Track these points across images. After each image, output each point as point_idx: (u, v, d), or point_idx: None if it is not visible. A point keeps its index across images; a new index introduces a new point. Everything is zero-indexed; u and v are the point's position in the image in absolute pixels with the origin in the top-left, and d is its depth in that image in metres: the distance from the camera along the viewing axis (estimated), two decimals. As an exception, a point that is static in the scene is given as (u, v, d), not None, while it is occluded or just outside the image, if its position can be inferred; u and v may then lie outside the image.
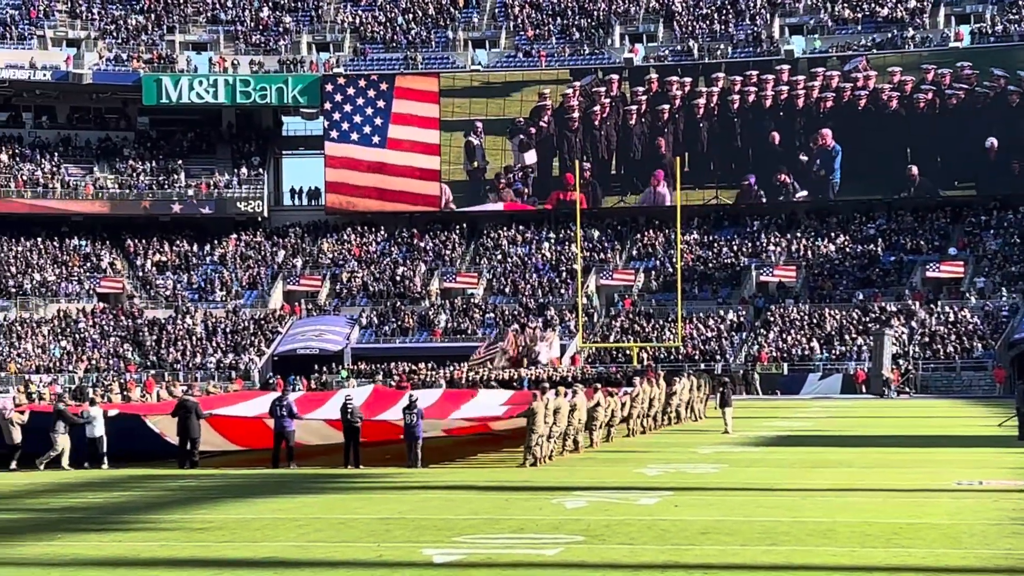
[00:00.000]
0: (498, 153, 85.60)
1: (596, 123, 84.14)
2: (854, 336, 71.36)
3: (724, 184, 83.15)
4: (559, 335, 73.21)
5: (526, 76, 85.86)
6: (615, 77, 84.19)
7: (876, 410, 52.77)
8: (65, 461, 29.66)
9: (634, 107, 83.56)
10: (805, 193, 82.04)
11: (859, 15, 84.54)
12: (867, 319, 72.50)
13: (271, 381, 66.43)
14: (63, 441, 29.67)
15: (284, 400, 30.03)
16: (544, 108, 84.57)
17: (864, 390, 66.94)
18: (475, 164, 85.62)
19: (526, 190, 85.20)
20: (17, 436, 30.47)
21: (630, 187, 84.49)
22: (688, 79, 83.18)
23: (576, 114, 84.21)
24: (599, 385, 36.34)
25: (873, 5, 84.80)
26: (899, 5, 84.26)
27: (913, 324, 71.45)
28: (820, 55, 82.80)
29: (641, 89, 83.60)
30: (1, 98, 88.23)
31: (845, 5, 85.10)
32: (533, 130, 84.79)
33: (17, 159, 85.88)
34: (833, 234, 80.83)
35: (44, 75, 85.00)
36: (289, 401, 30.21)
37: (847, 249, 79.89)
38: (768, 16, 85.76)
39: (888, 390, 65.04)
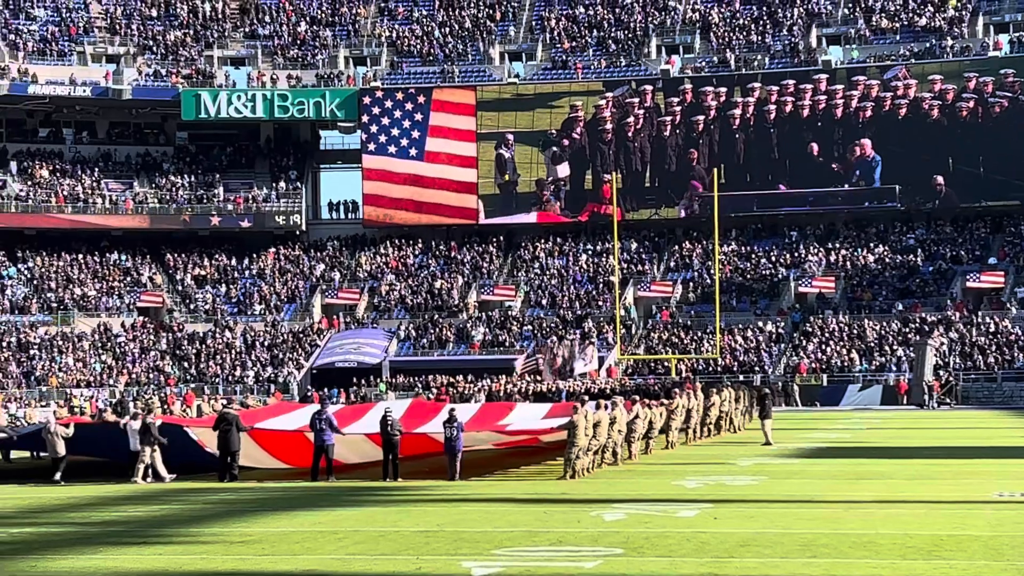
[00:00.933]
0: (529, 166, 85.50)
1: (629, 135, 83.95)
2: (894, 347, 71.01)
3: (761, 195, 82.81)
4: (597, 347, 73.20)
5: (556, 88, 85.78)
6: (648, 88, 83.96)
7: (916, 421, 52.49)
8: (140, 476, 29.67)
9: (668, 118, 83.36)
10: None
11: (897, 25, 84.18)
12: (907, 330, 72.15)
13: (308, 395, 66.65)
14: (149, 453, 29.70)
15: (324, 413, 30.09)
16: (576, 120, 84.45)
17: (906, 401, 66.57)
18: (506, 177, 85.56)
19: (558, 203, 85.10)
20: (62, 449, 30.66)
21: (664, 199, 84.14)
22: (723, 89, 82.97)
23: (609, 126, 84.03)
24: (636, 397, 36.30)
25: (911, 15, 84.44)
26: (937, 15, 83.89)
27: (953, 334, 71.03)
28: (858, 65, 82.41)
29: (675, 100, 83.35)
30: (42, 114, 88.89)
31: (883, 15, 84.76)
32: (566, 142, 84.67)
33: (58, 175, 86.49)
34: (872, 244, 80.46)
35: (84, 91, 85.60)
36: (329, 414, 30.28)
37: (886, 259, 79.51)
38: (805, 27, 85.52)
39: (930, 400, 64.67)
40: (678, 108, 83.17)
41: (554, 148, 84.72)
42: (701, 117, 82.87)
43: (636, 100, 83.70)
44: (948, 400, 65.80)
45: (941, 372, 67.52)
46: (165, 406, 55.63)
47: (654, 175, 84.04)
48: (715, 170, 76.26)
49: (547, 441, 32.33)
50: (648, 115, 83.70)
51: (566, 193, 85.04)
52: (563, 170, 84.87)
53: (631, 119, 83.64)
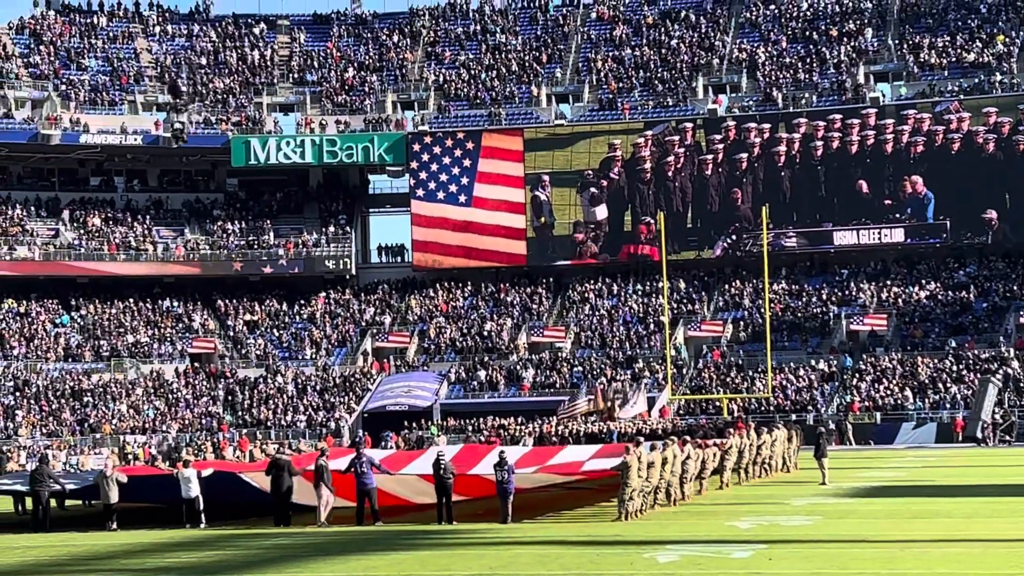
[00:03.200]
0: (566, 208, 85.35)
1: (669, 174, 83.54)
2: (948, 384, 70.39)
3: (809, 233, 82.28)
4: (646, 388, 72.88)
5: (594, 127, 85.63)
6: (688, 126, 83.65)
7: (972, 459, 51.96)
8: (323, 515, 29.52)
9: (709, 156, 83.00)
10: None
11: (945, 61, 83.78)
12: (960, 367, 71.53)
13: (358, 440, 66.65)
14: (327, 495, 29.57)
15: (363, 456, 30.04)
16: (614, 159, 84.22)
17: (961, 437, 65.85)
18: (543, 220, 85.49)
19: (594, 247, 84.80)
20: (114, 496, 30.76)
21: (707, 240, 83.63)
22: (767, 126, 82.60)
23: (648, 165, 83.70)
24: (687, 437, 36.16)
25: (959, 51, 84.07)
26: (985, 50, 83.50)
27: (1009, 371, 70.37)
28: (907, 101, 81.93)
29: (718, 137, 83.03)
30: (93, 163, 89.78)
31: (931, 52, 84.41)
32: (605, 183, 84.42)
33: (110, 223, 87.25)
34: (924, 281, 79.89)
35: (135, 139, 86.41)
36: (370, 456, 30.29)
37: (938, 296, 78.91)
38: (852, 64, 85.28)
39: (991, 437, 63.92)
40: (720, 146, 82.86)
41: (592, 189, 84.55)
42: (744, 155, 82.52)
43: (676, 138, 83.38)
44: (1008, 437, 65.05)
45: (997, 408, 66.85)
46: (218, 452, 55.91)
47: (696, 216, 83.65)
48: (763, 208, 75.72)
49: (600, 480, 32.22)
50: (689, 154, 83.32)
51: (604, 235, 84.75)
52: (601, 212, 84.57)
53: (671, 158, 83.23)
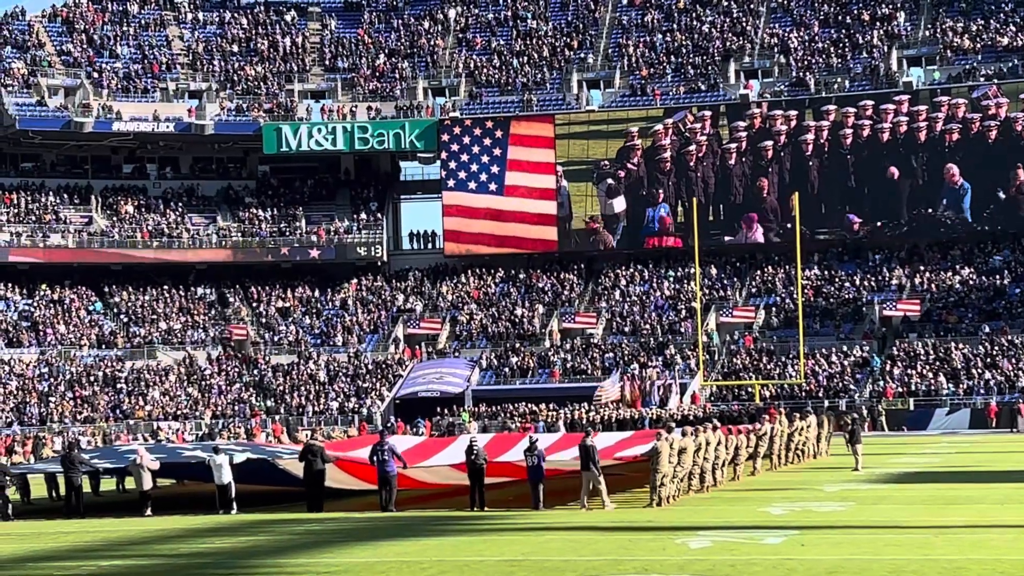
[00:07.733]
0: (582, 199, 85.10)
1: (691, 163, 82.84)
2: (981, 370, 70.06)
3: (838, 227, 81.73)
4: (679, 374, 72.85)
5: (610, 115, 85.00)
6: (708, 113, 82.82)
7: (1006, 445, 51.74)
8: (605, 498, 29.00)
9: (733, 145, 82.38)
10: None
11: (978, 45, 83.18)
12: (994, 352, 71.17)
13: (389, 426, 66.81)
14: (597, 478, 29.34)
15: (384, 444, 30.09)
16: (633, 149, 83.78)
17: (995, 424, 65.65)
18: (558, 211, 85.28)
19: (610, 238, 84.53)
20: (148, 483, 30.94)
21: (730, 232, 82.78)
22: (793, 112, 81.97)
23: (668, 155, 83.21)
24: (718, 423, 36.12)
25: (993, 35, 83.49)
26: (1019, 34, 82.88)
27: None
28: (942, 85, 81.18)
29: (742, 125, 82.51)
30: (126, 150, 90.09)
31: (965, 35, 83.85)
32: (622, 173, 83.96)
33: (142, 210, 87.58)
34: (957, 266, 79.42)
35: (167, 127, 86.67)
36: (391, 444, 30.36)
37: (971, 281, 78.43)
38: (885, 48, 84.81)
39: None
40: (744, 135, 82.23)
41: (609, 181, 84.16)
42: (770, 143, 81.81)
43: (698, 126, 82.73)
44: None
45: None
46: (251, 438, 56.14)
47: (718, 207, 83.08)
48: (796, 193, 75.14)
49: (632, 466, 32.25)
50: (711, 143, 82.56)
51: (623, 228, 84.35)
52: (619, 204, 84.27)
53: (692, 147, 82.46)
